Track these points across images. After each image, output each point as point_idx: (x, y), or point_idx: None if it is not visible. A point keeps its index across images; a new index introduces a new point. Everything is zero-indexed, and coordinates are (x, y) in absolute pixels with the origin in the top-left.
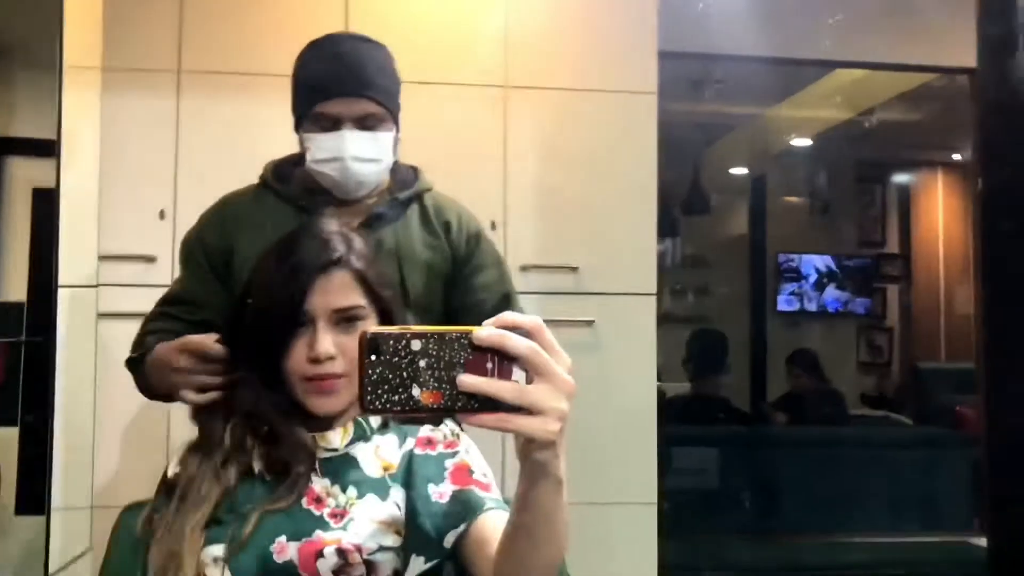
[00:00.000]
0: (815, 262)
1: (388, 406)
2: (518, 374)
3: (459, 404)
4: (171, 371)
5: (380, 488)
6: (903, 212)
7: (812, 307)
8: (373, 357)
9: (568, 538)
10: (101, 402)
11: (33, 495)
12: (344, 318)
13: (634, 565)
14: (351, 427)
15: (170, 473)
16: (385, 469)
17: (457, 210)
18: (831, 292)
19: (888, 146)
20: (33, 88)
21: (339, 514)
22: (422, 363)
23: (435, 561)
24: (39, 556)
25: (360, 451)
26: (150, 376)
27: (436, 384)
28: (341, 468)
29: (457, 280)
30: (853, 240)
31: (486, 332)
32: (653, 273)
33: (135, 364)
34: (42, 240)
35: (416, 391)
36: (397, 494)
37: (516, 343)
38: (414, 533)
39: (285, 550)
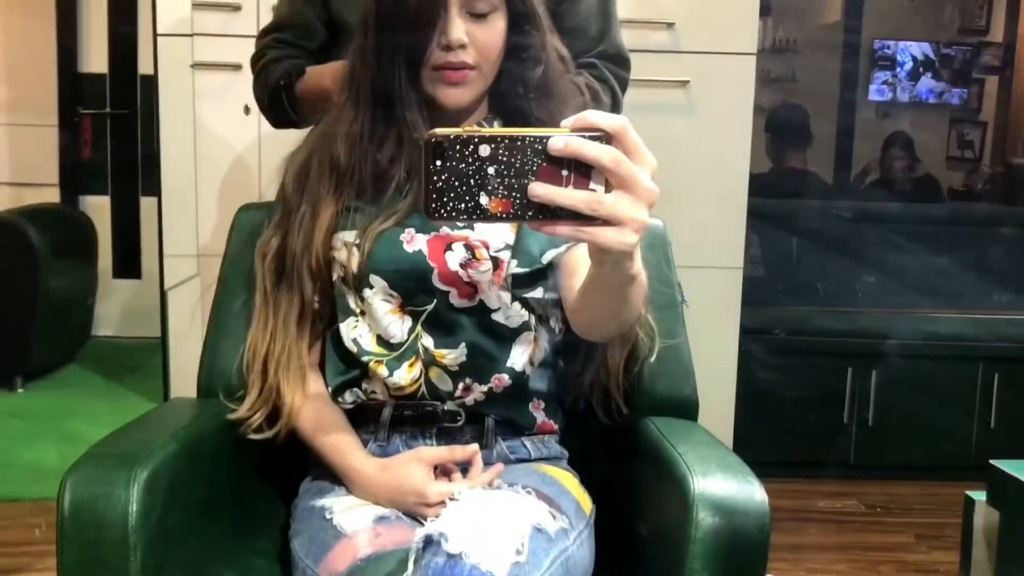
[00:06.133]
0: (912, 49)
1: (454, 215)
2: (596, 182)
3: (529, 213)
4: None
5: None
6: None
7: (904, 97)
8: (438, 163)
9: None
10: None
11: (128, 260)
12: (476, 12)
13: (718, 326)
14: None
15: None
16: None
17: None
18: (926, 82)
19: None
20: None
21: None
22: (491, 170)
23: (529, 268)
24: (141, 311)
25: None
26: (304, 101)
27: (505, 192)
28: None
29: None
30: (954, 26)
31: (562, 141)
32: (754, 31)
33: (280, 93)
34: (121, 10)
35: (484, 199)
36: None
37: (595, 152)
38: (519, 244)
39: (414, 240)
